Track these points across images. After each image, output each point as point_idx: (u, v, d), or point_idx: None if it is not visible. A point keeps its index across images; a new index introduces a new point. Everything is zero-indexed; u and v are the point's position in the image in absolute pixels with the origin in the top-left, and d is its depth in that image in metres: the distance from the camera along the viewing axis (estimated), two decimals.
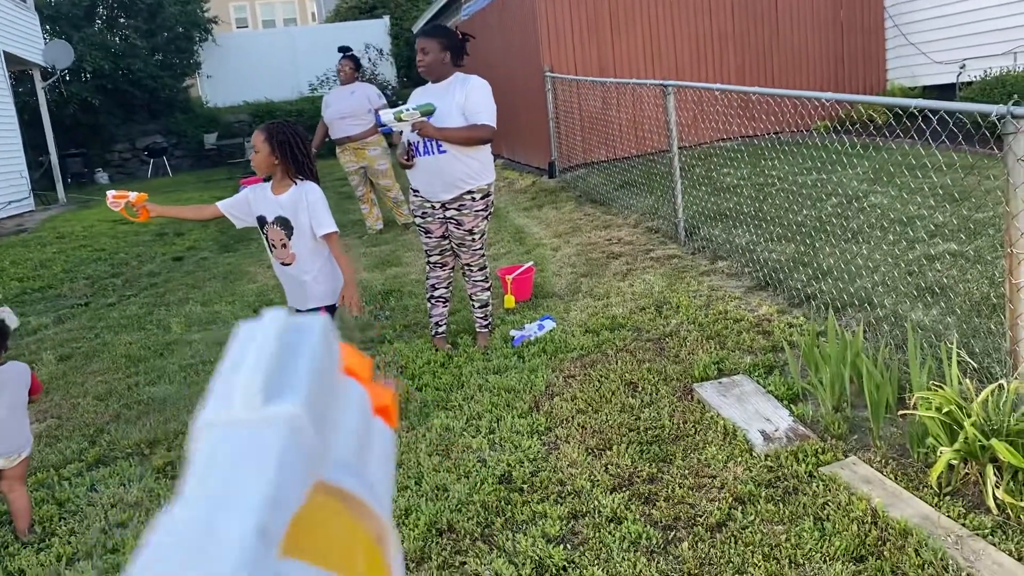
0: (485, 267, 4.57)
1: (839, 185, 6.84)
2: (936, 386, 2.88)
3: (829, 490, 2.76)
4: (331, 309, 3.57)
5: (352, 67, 8.05)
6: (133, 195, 3.51)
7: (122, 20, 20.44)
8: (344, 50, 8.21)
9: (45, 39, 17.75)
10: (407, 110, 4.11)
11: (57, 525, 3.08)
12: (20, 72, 16.04)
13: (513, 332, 4.64)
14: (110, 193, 3.52)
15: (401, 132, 4.33)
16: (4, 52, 14.88)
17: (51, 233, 10.29)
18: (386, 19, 23.15)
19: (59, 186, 15.37)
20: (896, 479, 2.78)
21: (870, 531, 2.52)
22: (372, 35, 22.17)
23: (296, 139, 3.41)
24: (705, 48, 10.53)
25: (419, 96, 4.36)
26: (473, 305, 4.65)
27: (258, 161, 3.40)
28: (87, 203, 13.81)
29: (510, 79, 11.02)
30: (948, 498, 2.65)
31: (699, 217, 6.52)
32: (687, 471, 2.98)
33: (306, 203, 3.43)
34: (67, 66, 17.06)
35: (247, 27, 35.58)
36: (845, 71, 10.79)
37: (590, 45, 10.14)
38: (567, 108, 9.87)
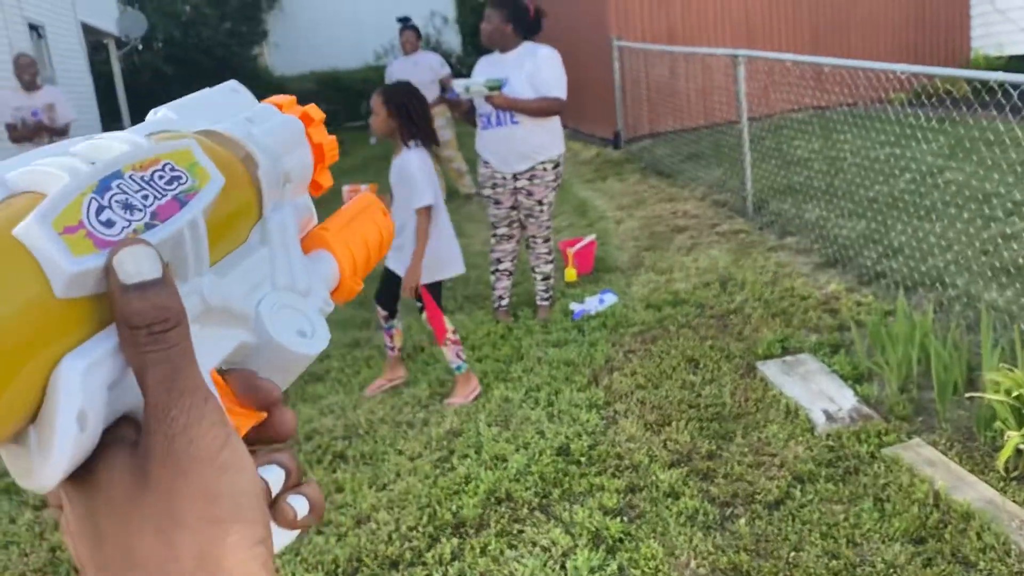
0: (550, 239, 4.59)
1: (913, 160, 6.64)
2: (1007, 369, 2.81)
3: (891, 471, 2.72)
4: (431, 288, 3.59)
5: (415, 37, 8.00)
6: (365, 187, 3.62)
7: None
8: (404, 20, 8.12)
9: (119, 9, 18.19)
10: (475, 84, 4.17)
11: None
12: (96, 42, 16.48)
13: (574, 305, 4.65)
14: (345, 188, 3.63)
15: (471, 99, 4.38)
16: (82, 23, 15.31)
17: None
18: None
19: None
20: (961, 462, 2.73)
21: (931, 513, 2.49)
22: (438, 3, 22.14)
23: (413, 102, 3.40)
24: (778, 16, 10.27)
25: (484, 65, 4.39)
26: (535, 277, 4.67)
27: (376, 124, 3.43)
28: None
29: (576, 48, 10.91)
30: (1015, 483, 2.60)
31: (768, 191, 6.41)
32: (747, 449, 2.97)
33: (406, 173, 3.40)
34: (140, 35, 17.47)
35: None
36: (926, 39, 10.40)
37: (659, 13, 9.97)
38: (634, 77, 9.75)
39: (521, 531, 2.67)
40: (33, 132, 6.11)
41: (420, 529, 2.72)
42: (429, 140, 3.48)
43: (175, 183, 0.36)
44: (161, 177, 0.36)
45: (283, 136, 0.44)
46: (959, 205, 5.36)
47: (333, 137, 0.49)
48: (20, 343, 0.31)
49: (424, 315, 3.70)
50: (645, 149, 9.38)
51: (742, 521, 2.58)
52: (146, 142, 0.38)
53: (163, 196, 0.35)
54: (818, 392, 3.31)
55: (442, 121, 7.99)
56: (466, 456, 3.14)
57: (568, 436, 3.19)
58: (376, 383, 3.90)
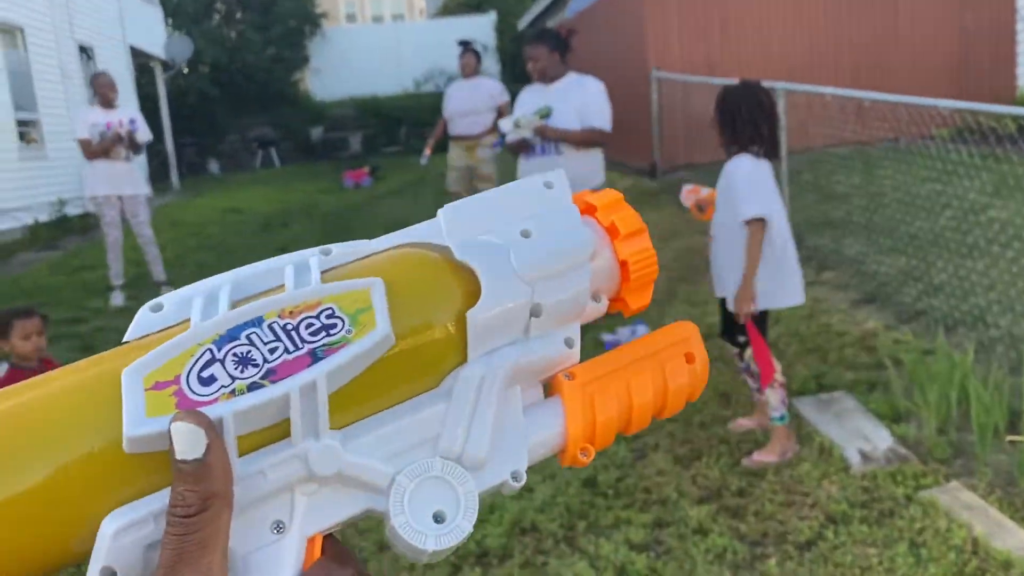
0: None
1: (956, 197, 6.52)
2: None
3: (927, 515, 2.64)
4: (758, 319, 3.07)
5: (476, 60, 7.75)
6: (705, 191, 3.32)
7: (238, 15, 21.30)
8: (464, 43, 7.92)
9: (167, 33, 18.64)
10: (525, 116, 4.22)
11: None
12: (142, 64, 16.89)
13: (605, 336, 4.61)
14: (685, 187, 3.34)
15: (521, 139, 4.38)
16: (130, 46, 15.69)
17: (164, 220, 10.79)
18: (492, 15, 23.35)
19: (174, 174, 16.09)
20: (1001, 508, 2.64)
21: (969, 560, 2.40)
22: (478, 31, 22.39)
23: (746, 105, 2.99)
24: (819, 53, 10.22)
25: (529, 96, 4.45)
26: None
27: (714, 127, 3.12)
28: (199, 192, 14.43)
29: (613, 77, 10.93)
30: None
31: (806, 225, 6.33)
32: (778, 487, 2.90)
33: (731, 180, 3.02)
34: (186, 59, 17.87)
35: (355, 22, 36.49)
36: (970, 76, 10.27)
37: (698, 45, 9.98)
38: (671, 108, 9.74)
39: (545, 563, 2.62)
40: (109, 145, 6.21)
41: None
42: (763, 145, 3.03)
43: (323, 333, 0.34)
44: (310, 325, 0.34)
45: (552, 259, 0.38)
46: (1003, 243, 5.25)
47: (649, 249, 0.42)
48: (77, 487, 0.32)
49: (748, 352, 3.14)
50: (682, 180, 9.34)
51: (772, 561, 2.51)
52: (315, 283, 0.35)
53: (298, 349, 0.34)
54: (853, 431, 3.22)
55: (488, 152, 7.90)
56: None
57: (596, 467, 3.14)
58: (740, 421, 3.41)
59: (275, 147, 20.59)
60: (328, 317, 0.34)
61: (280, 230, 10.04)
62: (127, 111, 6.50)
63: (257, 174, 18.81)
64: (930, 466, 2.93)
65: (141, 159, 14.74)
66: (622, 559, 2.56)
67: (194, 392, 0.33)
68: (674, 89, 9.63)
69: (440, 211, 0.39)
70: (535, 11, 20.69)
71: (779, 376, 3.08)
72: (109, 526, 0.32)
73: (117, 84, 6.54)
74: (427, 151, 8.48)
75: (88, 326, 6.11)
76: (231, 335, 0.33)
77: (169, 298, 0.37)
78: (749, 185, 2.93)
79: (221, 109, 19.99)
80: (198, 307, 0.35)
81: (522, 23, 21.53)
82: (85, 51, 13.64)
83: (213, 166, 20.11)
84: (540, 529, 2.78)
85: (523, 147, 4.42)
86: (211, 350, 0.33)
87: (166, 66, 17.81)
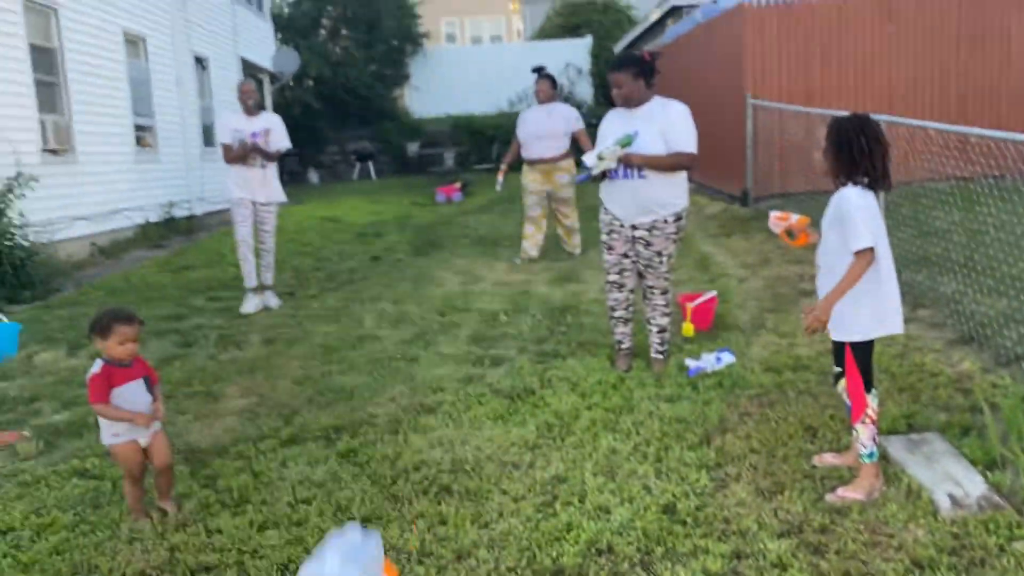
0: (668, 291, 4.56)
1: None
2: None
3: (1022, 567, 2.55)
4: (860, 348, 3.06)
5: (550, 86, 7.94)
6: (795, 217, 3.38)
7: (344, 32, 21.99)
8: (538, 69, 8.06)
9: (276, 47, 19.39)
10: (607, 148, 4.23)
11: (252, 494, 3.37)
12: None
13: (689, 362, 4.59)
14: (773, 214, 3.41)
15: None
16: (241, 57, 16.38)
17: None
18: (589, 39, 23.46)
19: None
20: None
21: None
22: (573, 54, 22.54)
23: (859, 139, 2.95)
24: (923, 82, 9.95)
25: (613, 121, 4.44)
26: (651, 329, 4.64)
27: (821, 158, 3.08)
28: (299, 200, 14.90)
29: (708, 103, 10.88)
30: None
31: (902, 260, 6.13)
32: (862, 526, 2.84)
33: (842, 210, 2.98)
34: (293, 72, 18.54)
35: (455, 42, 37.16)
36: None
37: (796, 73, 9.84)
38: (766, 136, 9.61)
39: None
40: (247, 153, 6.47)
41: (519, 572, 2.72)
42: (880, 181, 3.01)
43: None
44: None
45: None
46: None
47: None
48: None
49: (841, 383, 3.14)
50: (774, 208, 9.19)
51: None
52: None
53: None
54: (944, 475, 3.13)
55: (566, 178, 7.97)
56: (569, 504, 3.13)
57: (675, 494, 3.14)
58: (827, 458, 3.33)
59: (372, 160, 21.13)
60: None
61: (373, 239, 10.31)
62: (267, 119, 6.68)
63: (354, 185, 19.34)
64: None
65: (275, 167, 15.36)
66: None
67: None
68: (770, 116, 9.51)
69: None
70: (632, 35, 20.72)
71: (871, 412, 3.05)
72: None
73: (258, 93, 6.78)
74: (500, 176, 8.61)
75: (188, 323, 6.40)
76: None
77: None
78: (861, 214, 2.92)
79: (323, 121, 20.65)
80: None
81: (618, 47, 21.59)
82: (200, 61, 14.32)
83: (313, 176, 20.79)
84: (616, 551, 2.80)
85: (604, 172, 4.42)
86: None
87: (273, 78, 18.53)
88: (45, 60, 9.40)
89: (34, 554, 2.98)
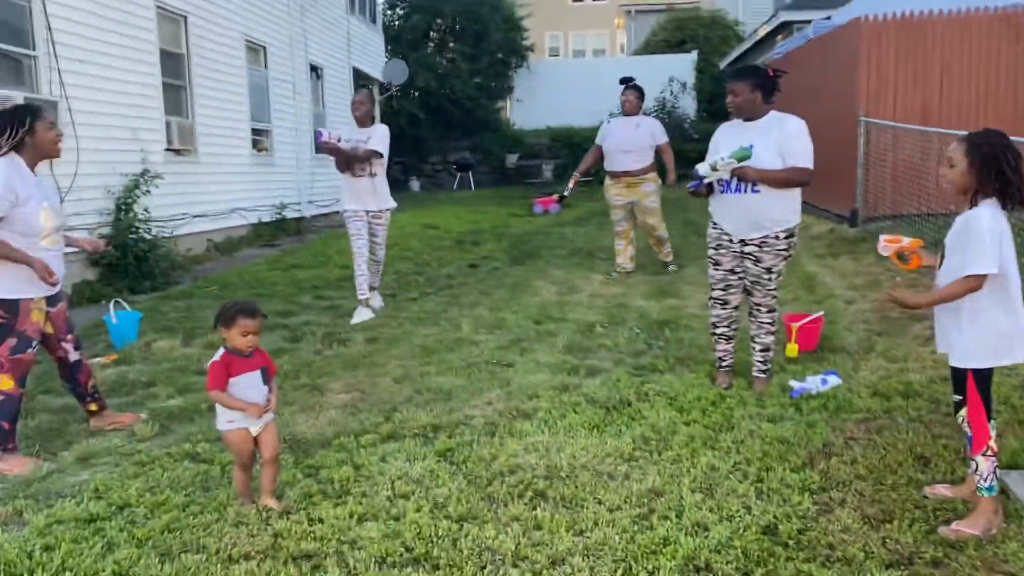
0: (775, 310, 4.46)
1: None
2: None
3: None
4: (982, 376, 2.95)
5: (637, 98, 7.84)
6: (907, 240, 3.34)
7: (451, 44, 22.40)
8: (626, 81, 7.94)
9: (386, 58, 19.91)
10: (722, 160, 4.16)
11: (352, 486, 3.45)
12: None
13: (793, 382, 4.47)
14: (883, 237, 3.38)
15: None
16: (353, 67, 16.89)
17: None
18: (694, 54, 23.20)
19: None
20: None
21: None
22: (677, 69, 22.33)
23: (1007, 155, 2.81)
24: None
25: (728, 133, 4.38)
26: (754, 347, 4.54)
27: (953, 176, 2.93)
28: (401, 208, 15.22)
29: (818, 120, 10.57)
30: None
31: None
32: (979, 562, 2.71)
33: (970, 230, 2.84)
34: (401, 82, 18.99)
35: (558, 55, 37.34)
36: None
37: (914, 91, 9.49)
38: (879, 155, 9.30)
39: None
40: (344, 156, 6.49)
41: None
42: (1017, 201, 2.86)
43: None
44: None
45: None
46: None
47: None
48: None
49: (961, 412, 2.97)
50: (885, 230, 8.87)
51: None
52: None
53: None
54: None
55: (652, 187, 7.87)
56: (666, 518, 3.09)
57: (777, 516, 3.06)
58: (939, 489, 3.20)
59: (472, 171, 21.41)
60: None
61: (471, 247, 10.44)
62: (372, 130, 6.67)
63: (453, 195, 19.64)
64: None
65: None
66: None
67: None
68: (883, 135, 9.19)
69: None
70: (739, 51, 20.40)
71: (992, 443, 2.91)
72: None
73: (368, 103, 6.85)
74: (571, 184, 8.60)
75: (297, 319, 6.62)
76: None
77: None
78: (991, 238, 2.80)
79: (427, 131, 21.07)
80: None
81: (724, 62, 21.28)
82: (315, 70, 14.84)
83: (414, 184, 21.22)
84: (714, 570, 2.74)
85: (711, 186, 4.35)
86: None
87: (382, 88, 19.03)
88: (173, 65, 9.91)
89: (148, 530, 3.12)
